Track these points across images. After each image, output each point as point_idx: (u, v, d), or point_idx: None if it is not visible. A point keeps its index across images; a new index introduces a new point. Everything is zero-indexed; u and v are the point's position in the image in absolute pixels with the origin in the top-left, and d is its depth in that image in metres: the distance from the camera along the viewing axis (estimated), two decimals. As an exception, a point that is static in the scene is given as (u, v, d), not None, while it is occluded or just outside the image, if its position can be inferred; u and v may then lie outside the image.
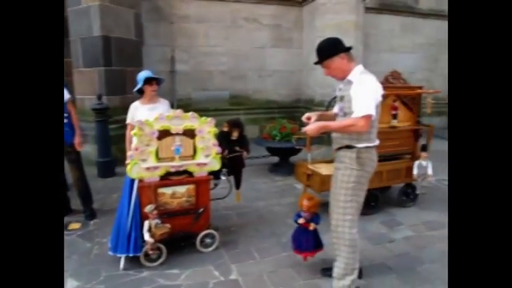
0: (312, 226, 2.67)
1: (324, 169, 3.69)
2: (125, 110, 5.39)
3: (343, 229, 2.36)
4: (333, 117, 2.57)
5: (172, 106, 6.71)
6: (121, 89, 5.75)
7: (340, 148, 2.38)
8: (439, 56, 9.71)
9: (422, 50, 9.45)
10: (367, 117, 2.16)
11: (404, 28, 9.10)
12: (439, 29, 9.53)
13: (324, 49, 2.34)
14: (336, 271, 2.44)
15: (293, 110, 7.93)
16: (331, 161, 3.30)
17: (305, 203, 2.65)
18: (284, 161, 5.38)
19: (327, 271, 2.63)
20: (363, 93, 2.19)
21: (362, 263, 2.86)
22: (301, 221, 2.66)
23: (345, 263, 2.40)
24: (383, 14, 8.67)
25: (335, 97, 2.62)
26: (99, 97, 4.98)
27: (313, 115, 2.50)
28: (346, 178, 2.33)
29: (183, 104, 7.05)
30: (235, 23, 7.41)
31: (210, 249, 3.08)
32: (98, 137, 5.07)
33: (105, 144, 5.09)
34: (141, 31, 6.47)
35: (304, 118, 2.52)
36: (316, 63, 2.40)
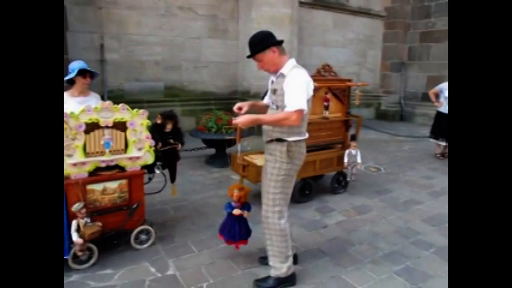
0: (246, 213, 2.70)
1: (259, 160, 3.74)
2: (47, 101, 4.98)
3: (273, 220, 2.42)
4: (265, 108, 2.61)
5: (102, 98, 6.33)
6: (42, 79, 5.26)
7: (270, 141, 2.40)
8: (366, 51, 10.34)
9: (352, 45, 9.98)
10: (299, 111, 2.21)
11: (336, 24, 9.52)
12: (367, 26, 10.15)
13: (255, 43, 2.34)
14: (272, 260, 2.50)
15: (230, 101, 7.90)
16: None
17: (235, 193, 2.65)
18: (221, 152, 5.36)
19: (264, 259, 2.69)
20: (295, 88, 2.23)
21: (298, 249, 2.99)
22: (236, 212, 2.65)
23: (279, 252, 2.46)
24: (316, 9, 8.97)
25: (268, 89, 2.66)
26: (17, 87, 4.52)
27: (244, 105, 2.51)
28: (276, 171, 2.37)
29: (114, 96, 6.68)
30: (169, 12, 7.15)
31: (146, 245, 2.98)
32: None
33: (25, 139, 4.65)
34: (64, 15, 5.96)
35: (235, 108, 2.52)
36: (248, 56, 2.40)
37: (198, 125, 5.34)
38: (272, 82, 2.45)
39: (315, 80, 3.77)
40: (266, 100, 2.63)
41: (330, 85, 3.97)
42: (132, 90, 7.01)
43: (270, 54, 2.31)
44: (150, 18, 6.97)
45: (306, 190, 4.06)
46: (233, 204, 2.68)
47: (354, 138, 4.18)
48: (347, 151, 4.15)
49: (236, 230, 2.68)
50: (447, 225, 3.64)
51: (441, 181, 5.07)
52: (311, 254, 3.00)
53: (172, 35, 7.23)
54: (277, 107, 2.36)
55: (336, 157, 4.18)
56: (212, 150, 5.53)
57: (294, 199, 4.00)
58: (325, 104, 3.96)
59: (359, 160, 4.18)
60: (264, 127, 2.44)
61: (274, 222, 2.42)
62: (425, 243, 3.24)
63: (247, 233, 2.76)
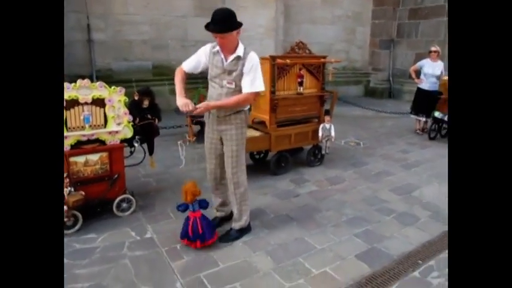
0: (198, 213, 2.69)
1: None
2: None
3: (242, 177, 2.82)
4: (185, 78, 2.80)
5: (91, 77, 6.49)
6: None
7: (229, 114, 2.68)
8: (355, 28, 10.39)
9: (340, 22, 10.03)
10: (258, 92, 2.68)
11: (324, 0, 9.54)
12: (355, 3, 10.16)
13: (230, 20, 2.44)
14: (239, 216, 2.89)
15: (218, 80, 8.05)
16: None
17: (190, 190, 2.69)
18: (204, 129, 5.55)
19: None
20: (256, 71, 2.58)
21: (268, 215, 3.27)
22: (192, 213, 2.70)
23: (245, 206, 2.88)
24: (304, -15, 8.99)
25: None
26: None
27: (190, 105, 2.65)
28: (240, 136, 2.74)
29: (102, 75, 6.82)
30: (154, -10, 7.21)
31: (127, 213, 3.23)
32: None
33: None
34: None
35: (189, 109, 2.65)
36: (215, 31, 2.43)
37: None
38: (222, 62, 2.60)
39: (288, 58, 3.99)
40: (191, 67, 2.73)
41: (304, 62, 4.13)
42: (120, 69, 7.14)
43: (235, 34, 2.48)
44: (136, -3, 7.03)
45: (281, 163, 4.29)
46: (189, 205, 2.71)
47: (327, 112, 4.37)
48: (321, 125, 4.35)
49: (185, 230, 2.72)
50: (412, 194, 3.90)
51: (416, 154, 5.32)
52: (280, 219, 3.25)
53: (158, 14, 7.31)
54: (236, 86, 2.62)
55: (310, 131, 4.39)
56: (198, 127, 5.73)
57: (270, 171, 4.28)
58: (299, 80, 4.14)
59: (333, 134, 4.39)
60: None
61: (243, 179, 2.83)
62: (387, 210, 3.50)
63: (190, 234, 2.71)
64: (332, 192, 3.90)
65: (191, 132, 3.04)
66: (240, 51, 2.55)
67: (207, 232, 2.69)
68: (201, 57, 2.72)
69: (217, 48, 2.60)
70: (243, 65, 2.55)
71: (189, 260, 2.61)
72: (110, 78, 6.79)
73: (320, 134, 4.35)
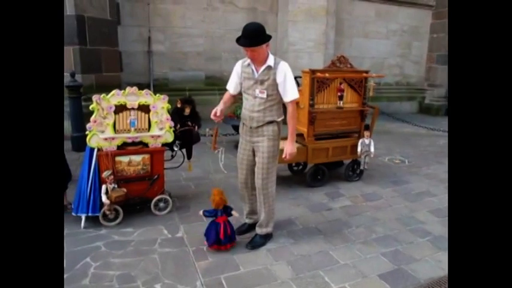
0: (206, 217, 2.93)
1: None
2: (99, 87, 5.68)
3: (272, 188, 2.91)
4: (232, 99, 2.98)
5: (148, 86, 7.00)
6: (96, 68, 5.98)
7: (261, 125, 2.76)
8: (411, 42, 10.05)
9: (395, 36, 9.77)
10: (296, 99, 2.75)
11: (379, 14, 9.38)
12: (413, 17, 9.86)
13: (260, 34, 2.58)
14: (266, 222, 2.99)
15: (267, 91, 8.23)
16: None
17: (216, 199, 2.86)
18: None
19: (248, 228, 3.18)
20: (290, 80, 2.69)
21: (296, 226, 3.31)
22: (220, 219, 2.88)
23: (272, 214, 3.00)
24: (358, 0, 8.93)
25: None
26: (73, 75, 5.22)
27: (219, 111, 2.81)
28: (272, 148, 2.80)
29: (159, 84, 7.34)
30: (211, 5, 7.62)
31: (164, 212, 3.45)
32: (72, 113, 5.33)
33: (79, 120, 5.35)
34: (116, 11, 6.65)
35: (212, 116, 2.82)
36: (246, 45, 2.58)
37: (228, 112, 5.76)
38: (252, 72, 2.71)
39: (328, 72, 4.03)
40: (233, 88, 2.92)
41: (344, 76, 4.14)
42: (175, 79, 7.61)
43: (264, 47, 2.62)
44: (193, 11, 7.49)
45: (318, 175, 4.30)
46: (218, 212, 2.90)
47: (367, 127, 4.31)
48: (360, 140, 4.30)
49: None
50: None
51: (466, 176, 5.00)
52: (307, 231, 3.27)
53: (213, 28, 7.71)
54: (268, 96, 2.70)
55: (349, 145, 4.35)
56: (241, 136, 5.93)
57: (306, 183, 4.30)
58: (339, 94, 4.14)
59: (372, 149, 4.31)
60: (254, 114, 2.75)
61: (273, 190, 2.93)
62: (423, 231, 3.36)
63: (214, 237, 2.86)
64: (366, 208, 3.82)
65: (214, 141, 3.19)
66: (270, 61, 2.66)
67: (233, 234, 2.93)
68: (234, 78, 2.89)
69: (248, 61, 2.73)
70: (275, 74, 2.65)
71: (212, 261, 2.74)
72: (165, 87, 7.30)
73: (359, 149, 4.30)
